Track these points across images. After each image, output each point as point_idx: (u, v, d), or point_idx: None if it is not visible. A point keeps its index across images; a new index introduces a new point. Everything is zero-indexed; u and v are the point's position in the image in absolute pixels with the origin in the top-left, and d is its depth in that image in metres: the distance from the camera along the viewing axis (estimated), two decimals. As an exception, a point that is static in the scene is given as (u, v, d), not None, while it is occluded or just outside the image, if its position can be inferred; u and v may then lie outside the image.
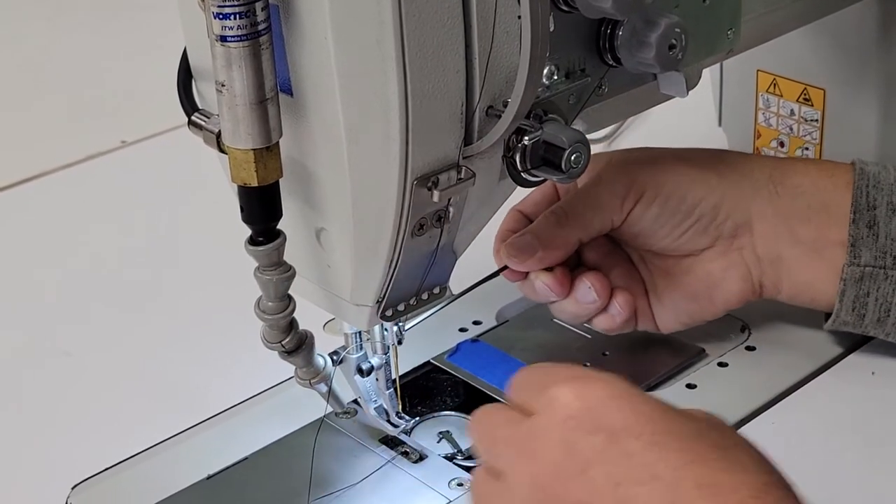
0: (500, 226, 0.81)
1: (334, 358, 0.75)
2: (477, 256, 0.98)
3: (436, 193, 0.63)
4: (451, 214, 0.66)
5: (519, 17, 0.61)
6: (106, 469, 0.77)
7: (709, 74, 1.08)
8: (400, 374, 0.83)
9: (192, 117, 0.66)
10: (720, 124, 1.10)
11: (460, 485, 0.74)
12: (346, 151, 0.62)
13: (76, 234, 1.09)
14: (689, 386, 0.81)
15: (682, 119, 1.16)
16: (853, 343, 0.84)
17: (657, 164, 0.79)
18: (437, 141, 0.62)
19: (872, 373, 0.82)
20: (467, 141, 0.64)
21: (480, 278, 0.94)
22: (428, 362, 0.85)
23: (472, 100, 0.63)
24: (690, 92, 1.04)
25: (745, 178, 0.79)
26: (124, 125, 1.27)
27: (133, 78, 1.37)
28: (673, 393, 0.80)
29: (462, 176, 0.64)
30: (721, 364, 0.83)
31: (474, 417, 0.62)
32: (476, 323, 0.89)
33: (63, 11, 1.58)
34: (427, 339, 0.87)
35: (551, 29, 0.64)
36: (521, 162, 0.65)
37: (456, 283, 0.93)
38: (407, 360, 0.85)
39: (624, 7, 0.62)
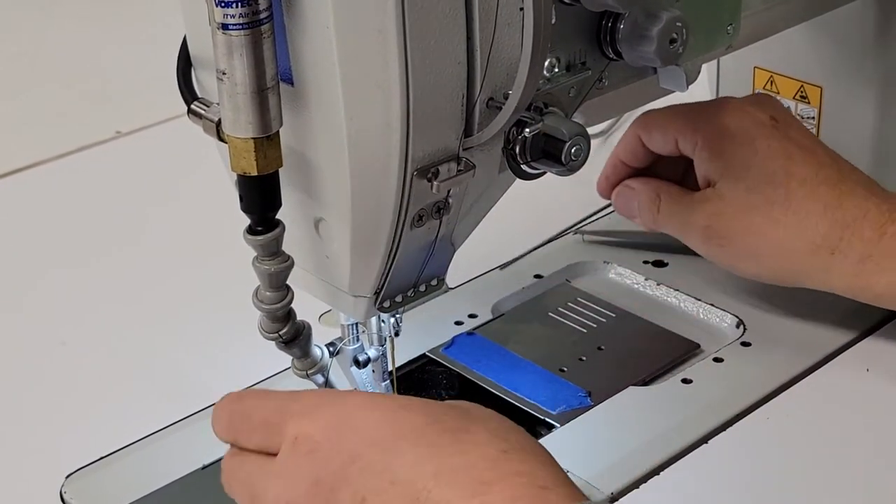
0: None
1: (331, 349, 0.75)
2: (474, 250, 0.98)
3: (435, 185, 0.63)
4: (450, 206, 0.66)
5: (521, 9, 0.61)
6: (100, 459, 0.77)
7: (706, 71, 1.08)
8: (396, 366, 0.83)
9: (192, 106, 0.66)
10: (716, 121, 1.10)
11: (456, 477, 0.74)
12: (347, 141, 0.62)
13: (71, 225, 1.08)
14: (685, 381, 0.81)
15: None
16: (849, 340, 0.84)
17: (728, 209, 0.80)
18: (438, 132, 0.62)
19: (867, 369, 0.82)
20: (467, 132, 0.64)
21: (477, 271, 0.95)
22: (424, 355, 0.85)
23: (473, 91, 0.63)
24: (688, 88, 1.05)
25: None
26: (119, 115, 1.27)
27: (128, 68, 1.37)
28: (668, 388, 0.80)
29: (462, 167, 0.64)
30: (717, 359, 0.83)
31: (224, 471, 0.64)
32: (472, 316, 0.89)
33: (58, 1, 1.58)
34: (423, 331, 0.87)
35: (553, 21, 0.63)
36: (521, 154, 0.65)
37: (453, 276, 0.94)
38: (403, 353, 0.85)
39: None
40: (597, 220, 1.01)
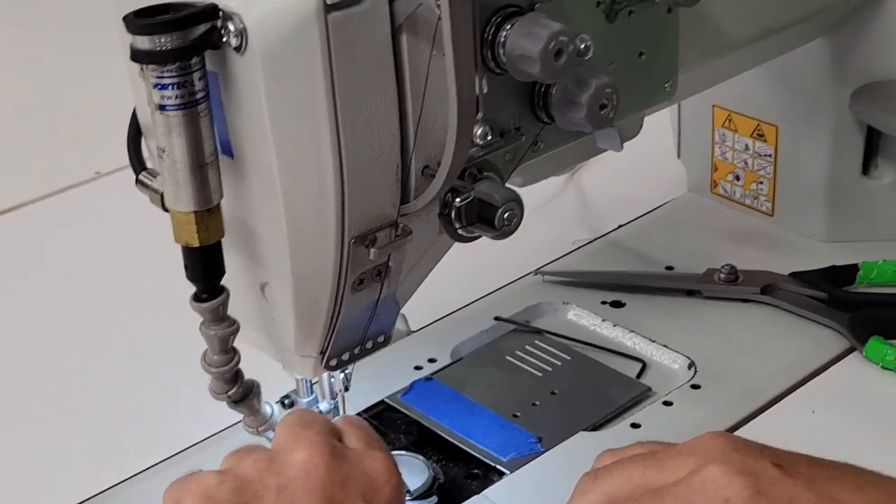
0: None
1: (286, 402, 0.77)
2: (436, 292, 1.00)
3: (373, 251, 0.65)
4: (391, 269, 0.68)
5: (450, 83, 0.63)
6: (74, 506, 0.79)
7: (668, 109, 1.10)
8: (355, 412, 0.85)
9: (140, 177, 0.68)
10: (679, 157, 1.12)
11: (406, 526, 0.76)
12: (284, 212, 0.64)
13: (50, 266, 1.10)
14: (634, 425, 0.83)
15: (643, 150, 1.18)
16: (795, 382, 0.86)
17: None
18: (374, 201, 0.65)
19: (813, 411, 0.84)
20: (405, 199, 0.66)
21: (439, 314, 0.97)
22: (382, 401, 0.87)
23: (408, 160, 0.65)
24: (651, 124, 1.06)
25: None
26: (98, 156, 1.29)
27: (107, 107, 1.39)
28: (617, 433, 0.82)
29: (399, 233, 0.66)
30: (666, 403, 0.85)
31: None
32: (431, 360, 0.91)
33: (35, 40, 1.59)
34: (382, 377, 0.89)
35: (484, 91, 0.65)
36: (456, 219, 0.67)
37: (414, 319, 0.96)
38: (362, 399, 0.87)
39: (552, 71, 0.64)
40: (558, 259, 1.03)
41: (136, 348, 0.97)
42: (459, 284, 1.00)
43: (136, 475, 0.81)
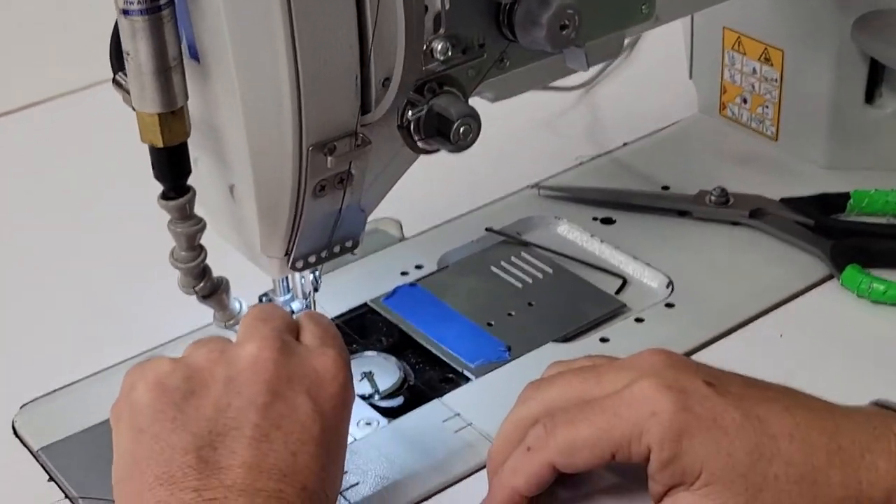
0: None
1: (263, 299, 0.80)
2: (434, 201, 1.02)
3: (331, 160, 0.68)
4: (353, 177, 0.70)
5: (405, -4, 0.65)
6: (53, 391, 0.83)
7: (681, 26, 1.10)
8: (337, 314, 0.88)
9: (116, 77, 0.71)
10: (691, 77, 1.12)
11: (368, 424, 0.79)
12: (244, 118, 0.66)
13: (40, 166, 1.12)
14: (603, 340, 0.85)
15: (658, 68, 1.18)
16: (769, 306, 0.87)
17: None
18: (333, 110, 0.67)
19: (781, 335, 0.85)
20: (366, 110, 0.68)
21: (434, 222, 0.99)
22: (365, 304, 0.90)
23: (369, 71, 0.67)
24: (668, 43, 1.07)
25: None
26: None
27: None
28: (585, 346, 0.84)
29: (359, 143, 0.68)
30: (638, 319, 0.87)
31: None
32: (418, 267, 0.93)
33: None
34: (369, 280, 0.92)
35: (446, 7, 0.67)
36: (414, 132, 0.69)
37: (409, 225, 0.98)
38: (346, 301, 0.90)
39: (510, -10, 0.65)
40: (559, 174, 1.04)
41: (120, 247, 0.98)
42: (457, 195, 1.02)
43: (110, 367, 0.85)
